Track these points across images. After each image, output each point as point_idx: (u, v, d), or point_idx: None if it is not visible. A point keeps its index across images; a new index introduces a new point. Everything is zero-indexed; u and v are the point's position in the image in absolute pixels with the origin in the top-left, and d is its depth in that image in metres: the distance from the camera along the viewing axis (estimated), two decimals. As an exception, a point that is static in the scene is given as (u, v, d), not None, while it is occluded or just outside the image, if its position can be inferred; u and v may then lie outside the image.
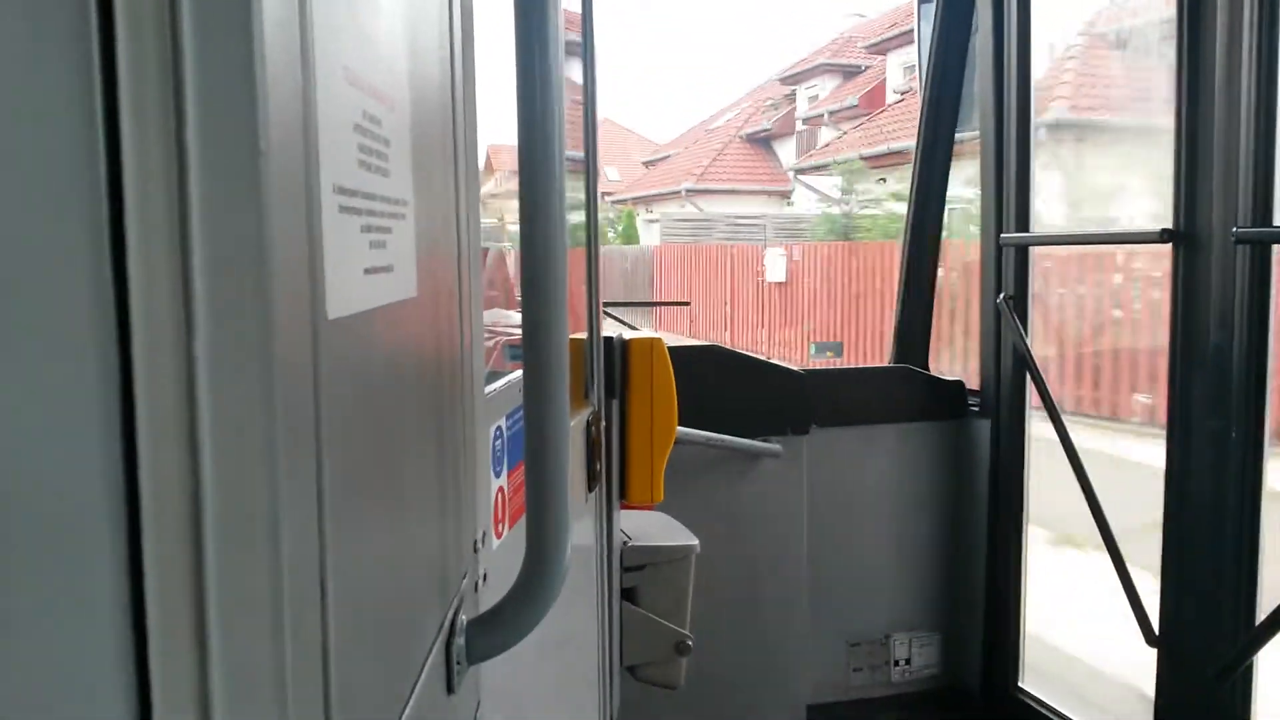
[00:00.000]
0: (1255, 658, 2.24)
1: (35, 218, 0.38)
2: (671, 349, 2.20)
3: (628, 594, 2.19)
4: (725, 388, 2.89)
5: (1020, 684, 3.01)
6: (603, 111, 1.90)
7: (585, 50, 1.77)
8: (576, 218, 1.82)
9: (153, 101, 0.39)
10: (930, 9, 3.13)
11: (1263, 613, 2.22)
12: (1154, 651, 2.50)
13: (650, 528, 2.31)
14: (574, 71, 1.75)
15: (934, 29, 3.10)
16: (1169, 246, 2.37)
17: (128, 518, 0.40)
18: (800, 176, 21.16)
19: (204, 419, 0.41)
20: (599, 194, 1.92)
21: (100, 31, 0.38)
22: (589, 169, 1.85)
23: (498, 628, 0.91)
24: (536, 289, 0.91)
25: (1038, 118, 2.47)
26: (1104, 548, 2.58)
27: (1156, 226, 2.39)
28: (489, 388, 1.14)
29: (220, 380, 0.41)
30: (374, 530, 0.63)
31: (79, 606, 0.40)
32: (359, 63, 0.57)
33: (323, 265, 0.50)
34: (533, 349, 0.92)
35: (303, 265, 0.48)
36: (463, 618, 0.89)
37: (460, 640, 0.87)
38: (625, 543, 2.18)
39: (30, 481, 0.39)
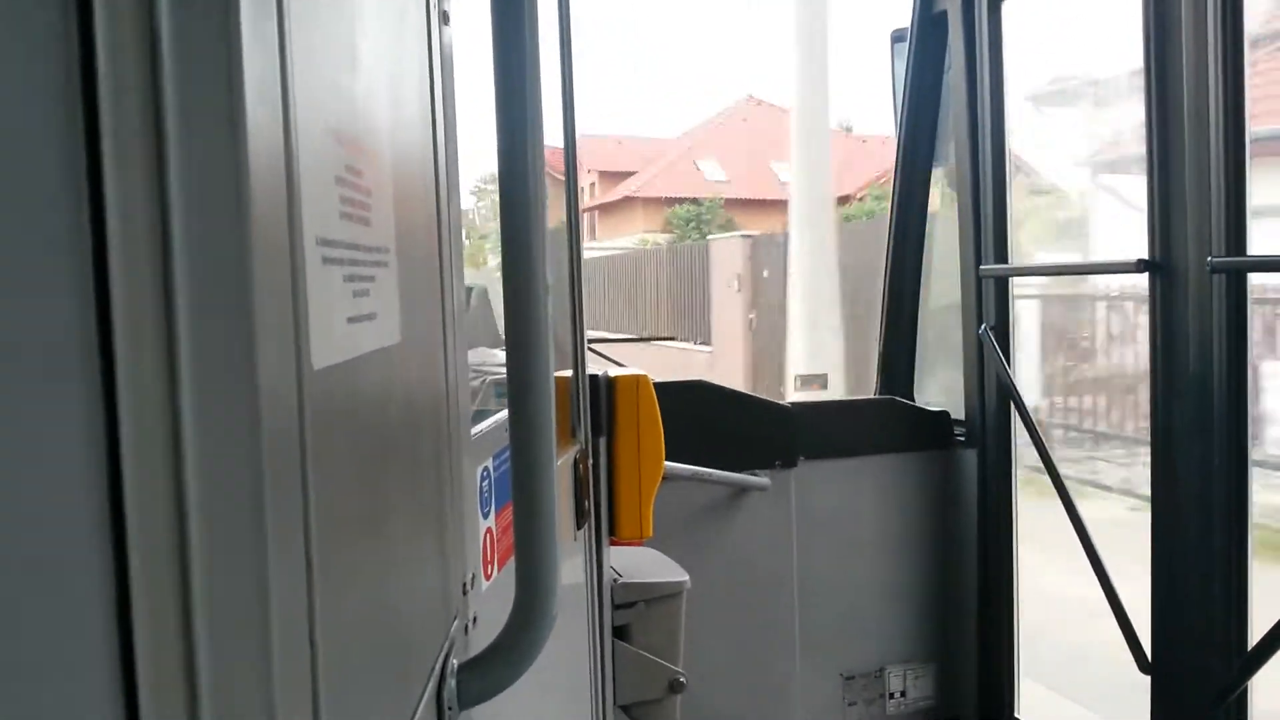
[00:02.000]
0: (1249, 683, 2.24)
1: (19, 269, 0.39)
2: (657, 385, 2.20)
3: (619, 632, 2.17)
4: (712, 422, 2.89)
5: (1016, 714, 2.99)
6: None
7: (564, 78, 1.80)
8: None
9: (136, 157, 0.40)
10: (903, 47, 3.19)
11: (1254, 637, 2.23)
12: (1147, 678, 2.50)
13: (640, 564, 2.30)
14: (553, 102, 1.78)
15: (907, 66, 3.16)
16: (1146, 276, 2.40)
17: (115, 571, 0.40)
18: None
19: (190, 470, 0.41)
20: (582, 229, 1.93)
21: (83, 87, 0.39)
22: (570, 202, 1.86)
23: (489, 671, 0.90)
24: (519, 330, 0.91)
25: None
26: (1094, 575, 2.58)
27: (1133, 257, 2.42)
28: (475, 428, 1.14)
29: (205, 431, 0.41)
30: (363, 576, 0.63)
31: (67, 659, 0.40)
32: (339, 117, 0.58)
33: (306, 315, 0.51)
34: (517, 390, 0.92)
35: (287, 316, 0.48)
36: (454, 662, 0.88)
37: (452, 684, 0.86)
38: (615, 580, 2.17)
39: (20, 539, 0.39)
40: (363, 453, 0.64)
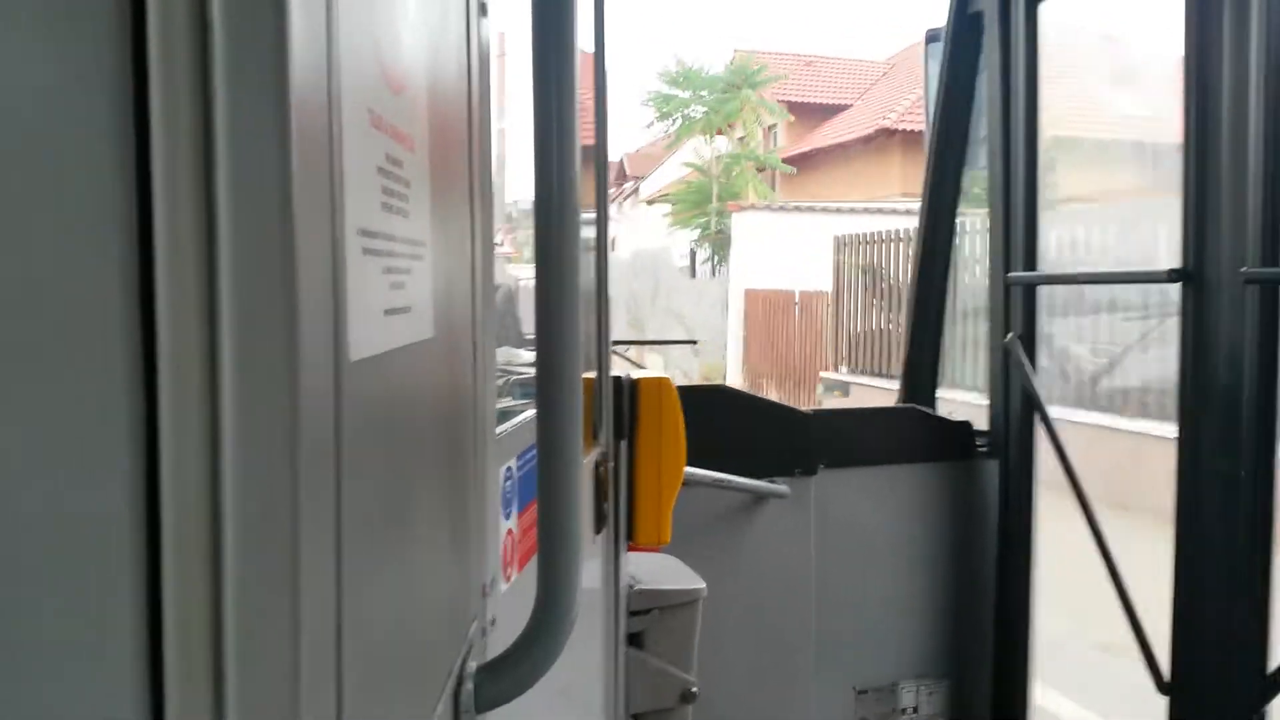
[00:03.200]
0: (1269, 706, 2.21)
1: (66, 260, 0.39)
2: (678, 389, 2.19)
3: (634, 639, 2.16)
4: (732, 428, 2.87)
5: (1031, 731, 2.96)
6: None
7: (598, 72, 1.79)
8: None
9: (183, 146, 0.40)
10: (938, 48, 3.15)
11: (1276, 659, 2.19)
12: (1165, 700, 2.46)
13: (656, 570, 2.29)
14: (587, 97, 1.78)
15: (941, 68, 3.12)
16: (1178, 286, 2.37)
17: (148, 558, 0.40)
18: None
19: (227, 461, 0.41)
20: (609, 227, 1.93)
21: (134, 78, 0.39)
22: (600, 207, 1.85)
23: (507, 674, 0.89)
24: (550, 330, 0.91)
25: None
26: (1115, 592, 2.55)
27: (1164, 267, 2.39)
28: (499, 428, 1.13)
29: (244, 421, 0.41)
30: (388, 573, 0.63)
31: (97, 644, 0.40)
32: (383, 105, 0.58)
33: (346, 307, 0.50)
34: (546, 391, 0.92)
35: (327, 307, 0.48)
36: (472, 664, 0.87)
37: (469, 687, 0.85)
38: (632, 586, 2.16)
39: (55, 520, 0.39)
40: (392, 448, 0.64)
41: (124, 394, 0.39)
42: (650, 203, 25.32)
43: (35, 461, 0.39)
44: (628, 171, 27.84)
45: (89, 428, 0.39)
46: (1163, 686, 2.45)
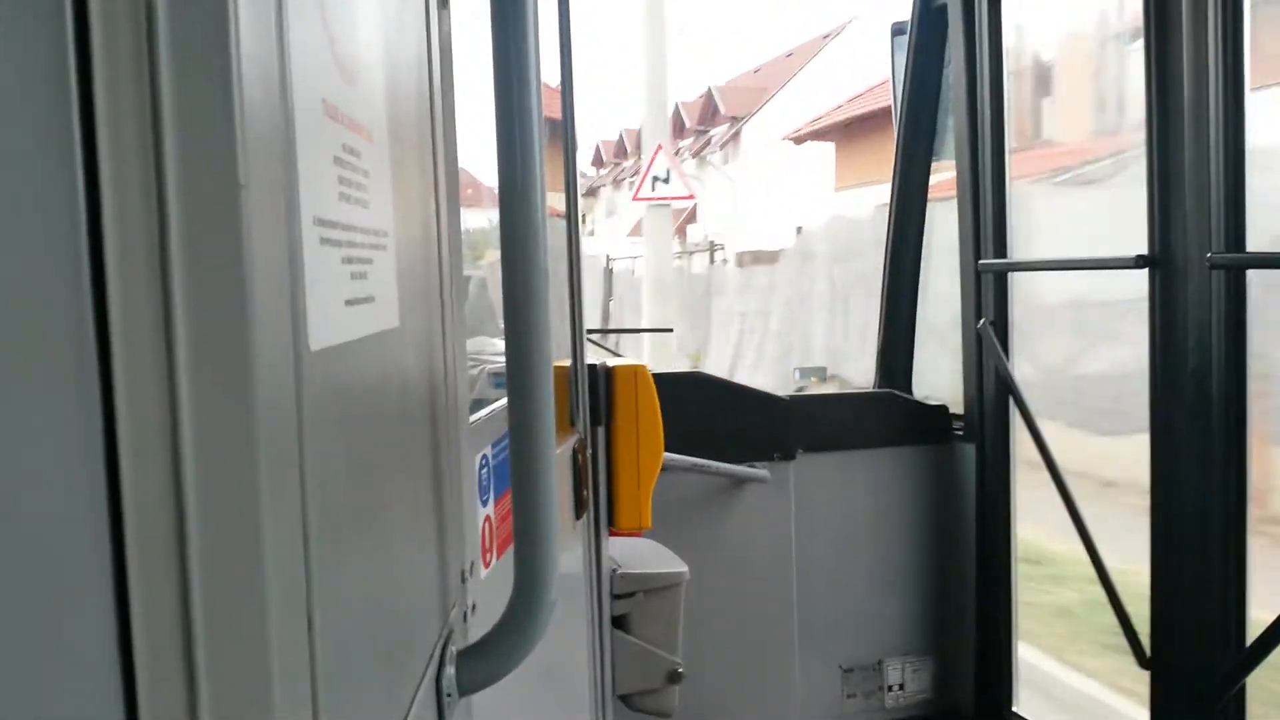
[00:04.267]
0: (1247, 678, 2.24)
1: (16, 252, 0.39)
2: (655, 375, 2.20)
3: (618, 622, 2.18)
4: (710, 414, 2.89)
5: (1014, 707, 3.00)
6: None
7: (563, 58, 1.79)
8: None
9: (131, 136, 0.39)
10: (903, 40, 3.18)
11: (1254, 631, 2.23)
12: (1147, 674, 2.50)
13: (639, 555, 2.31)
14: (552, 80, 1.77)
15: (907, 60, 3.15)
16: (1145, 272, 2.40)
17: (112, 552, 0.40)
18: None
19: (186, 450, 0.41)
20: (580, 211, 1.93)
21: (77, 66, 0.39)
22: (569, 189, 1.86)
23: (488, 658, 0.90)
24: (519, 317, 0.91)
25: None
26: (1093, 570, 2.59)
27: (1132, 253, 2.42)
28: (473, 416, 1.14)
29: (202, 412, 0.41)
30: (361, 561, 0.63)
31: (65, 642, 0.40)
32: (337, 95, 0.58)
33: (304, 297, 0.50)
34: (516, 378, 0.92)
35: (284, 297, 0.48)
36: (452, 649, 0.88)
37: (450, 671, 0.86)
38: (615, 570, 2.18)
39: (12, 515, 0.39)
40: (360, 437, 0.64)
41: (79, 391, 0.39)
42: (799, 141, 19.98)
43: None
44: (722, 110, 24.70)
45: (45, 425, 0.39)
46: (1144, 662, 2.49)
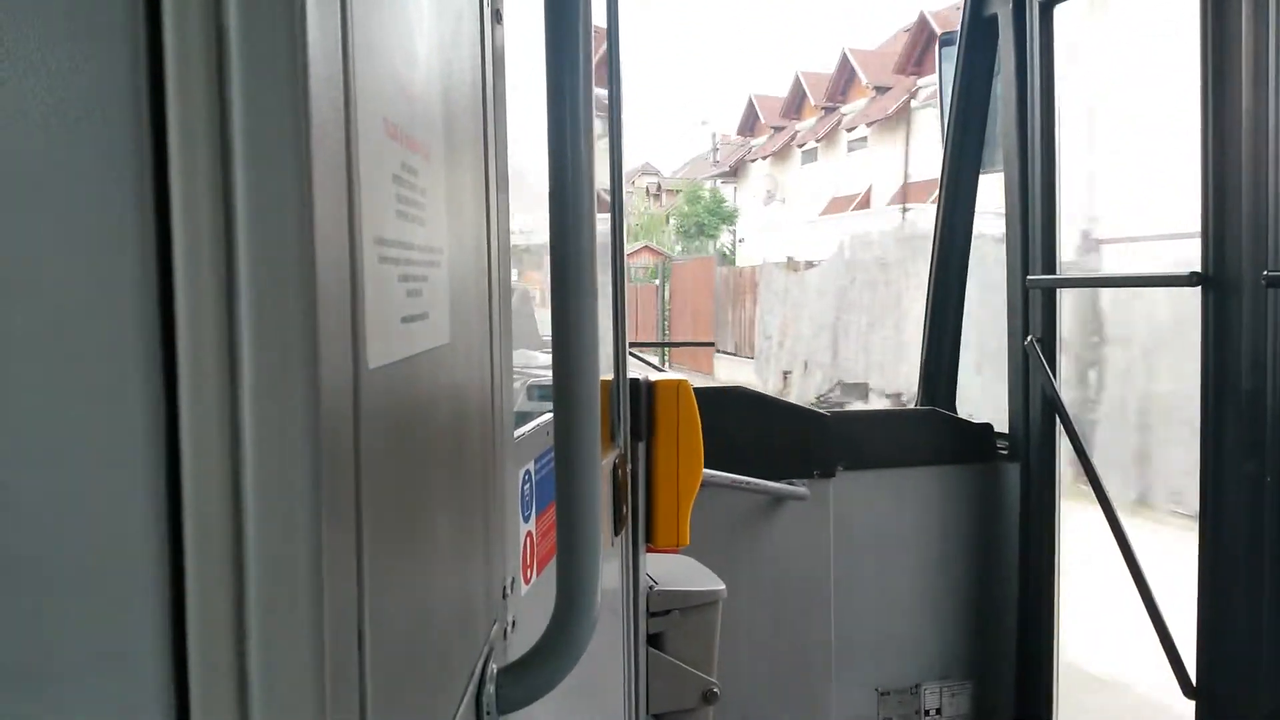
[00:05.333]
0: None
1: (88, 269, 0.39)
2: (696, 390, 2.19)
3: (654, 640, 2.16)
4: (750, 429, 2.87)
5: (1054, 735, 2.94)
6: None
7: (611, 83, 1.79)
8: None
9: (202, 152, 0.40)
10: (952, 51, 3.14)
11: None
12: (1192, 703, 2.43)
13: (676, 572, 2.29)
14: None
15: (956, 70, 3.11)
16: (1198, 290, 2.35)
17: (171, 564, 0.40)
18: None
19: (248, 467, 0.41)
20: (625, 229, 1.93)
21: (150, 84, 0.39)
22: (615, 207, 1.86)
23: (528, 676, 0.89)
24: (567, 333, 0.91)
25: None
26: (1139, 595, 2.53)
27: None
28: (518, 431, 1.13)
29: (265, 429, 0.41)
30: (410, 577, 0.63)
31: (122, 649, 0.40)
32: (398, 114, 0.58)
33: (364, 316, 0.50)
34: (563, 394, 0.92)
35: (345, 316, 0.48)
36: (493, 666, 0.88)
37: (490, 689, 0.85)
38: (651, 587, 2.16)
39: (78, 527, 0.40)
40: (411, 453, 0.64)
41: (145, 405, 0.40)
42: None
43: (62, 473, 0.39)
44: (863, 79, 22.50)
45: (111, 439, 0.40)
46: (1189, 691, 2.42)
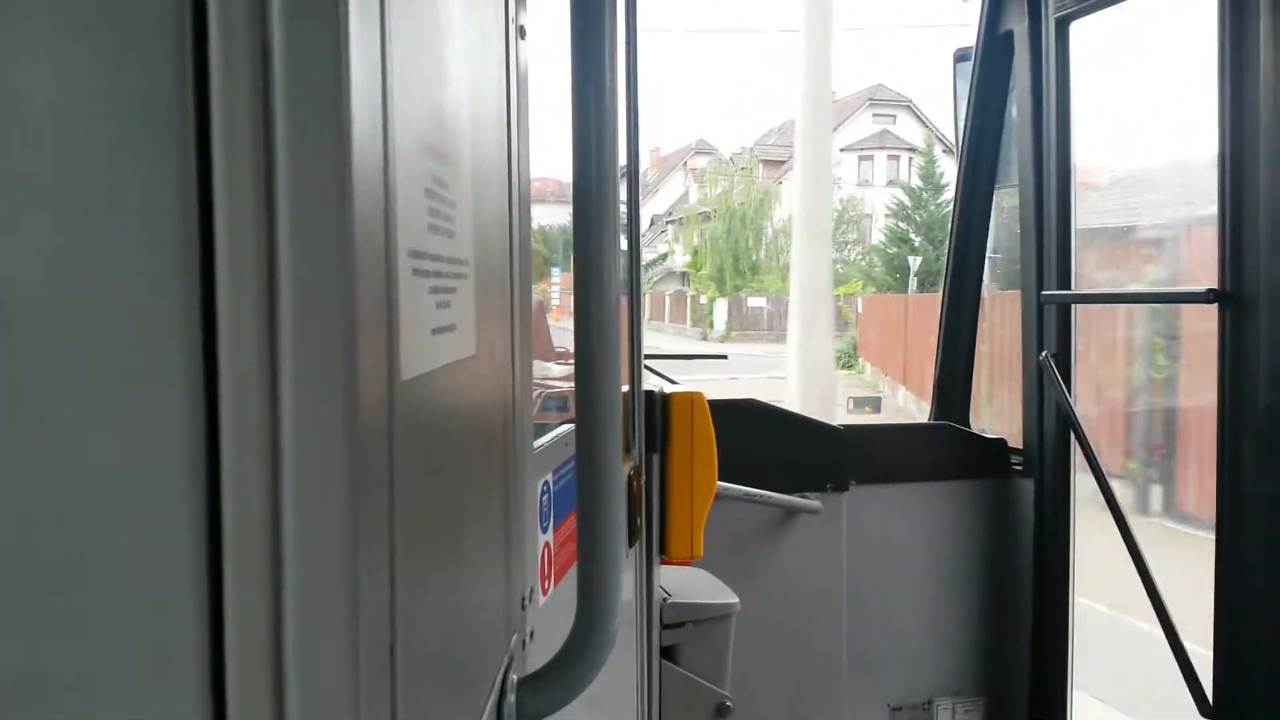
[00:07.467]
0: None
1: (131, 283, 0.40)
2: (710, 403, 2.19)
3: (667, 652, 2.15)
4: (764, 442, 2.86)
5: (1068, 753, 2.91)
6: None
7: (629, 92, 1.80)
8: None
9: (245, 167, 0.40)
10: (966, 67, 3.15)
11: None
12: None
13: (689, 584, 2.28)
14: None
15: (970, 86, 3.12)
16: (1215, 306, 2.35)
17: (209, 575, 0.41)
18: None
19: (286, 478, 0.42)
20: (641, 241, 1.94)
21: (196, 101, 0.40)
22: (632, 218, 1.86)
23: (548, 687, 0.89)
24: (590, 344, 0.91)
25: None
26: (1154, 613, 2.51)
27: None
28: (536, 442, 1.14)
29: (304, 441, 0.42)
30: (438, 589, 0.63)
31: (159, 661, 0.41)
32: (430, 130, 0.59)
33: (398, 328, 0.51)
34: (585, 405, 0.92)
35: (381, 328, 0.49)
36: (513, 676, 0.88)
37: (511, 699, 0.86)
38: (665, 599, 2.16)
39: (117, 537, 0.40)
40: (439, 465, 0.64)
41: (185, 413, 0.40)
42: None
43: (102, 486, 0.40)
44: None
45: (151, 448, 0.40)
46: (1205, 709, 2.40)
